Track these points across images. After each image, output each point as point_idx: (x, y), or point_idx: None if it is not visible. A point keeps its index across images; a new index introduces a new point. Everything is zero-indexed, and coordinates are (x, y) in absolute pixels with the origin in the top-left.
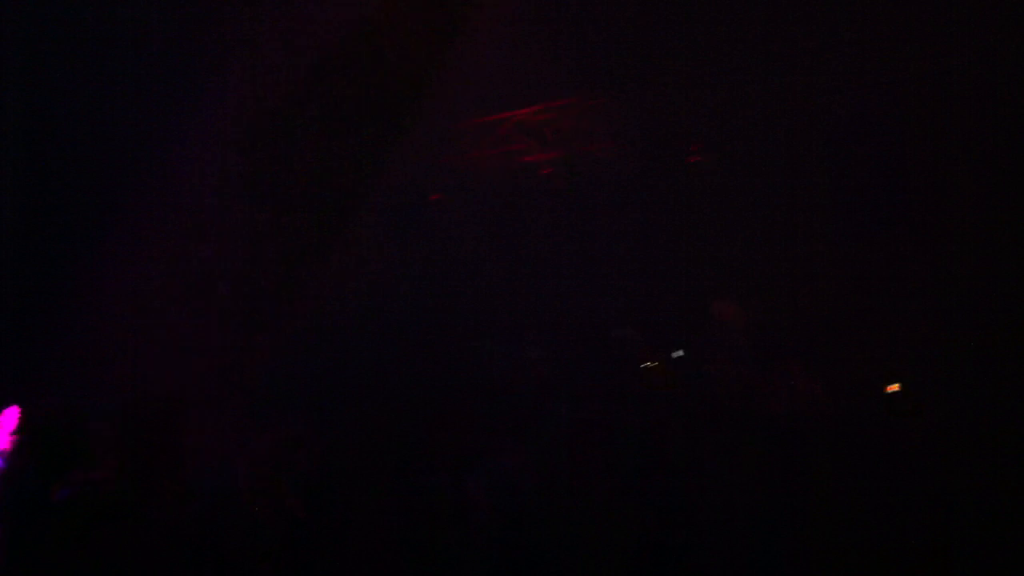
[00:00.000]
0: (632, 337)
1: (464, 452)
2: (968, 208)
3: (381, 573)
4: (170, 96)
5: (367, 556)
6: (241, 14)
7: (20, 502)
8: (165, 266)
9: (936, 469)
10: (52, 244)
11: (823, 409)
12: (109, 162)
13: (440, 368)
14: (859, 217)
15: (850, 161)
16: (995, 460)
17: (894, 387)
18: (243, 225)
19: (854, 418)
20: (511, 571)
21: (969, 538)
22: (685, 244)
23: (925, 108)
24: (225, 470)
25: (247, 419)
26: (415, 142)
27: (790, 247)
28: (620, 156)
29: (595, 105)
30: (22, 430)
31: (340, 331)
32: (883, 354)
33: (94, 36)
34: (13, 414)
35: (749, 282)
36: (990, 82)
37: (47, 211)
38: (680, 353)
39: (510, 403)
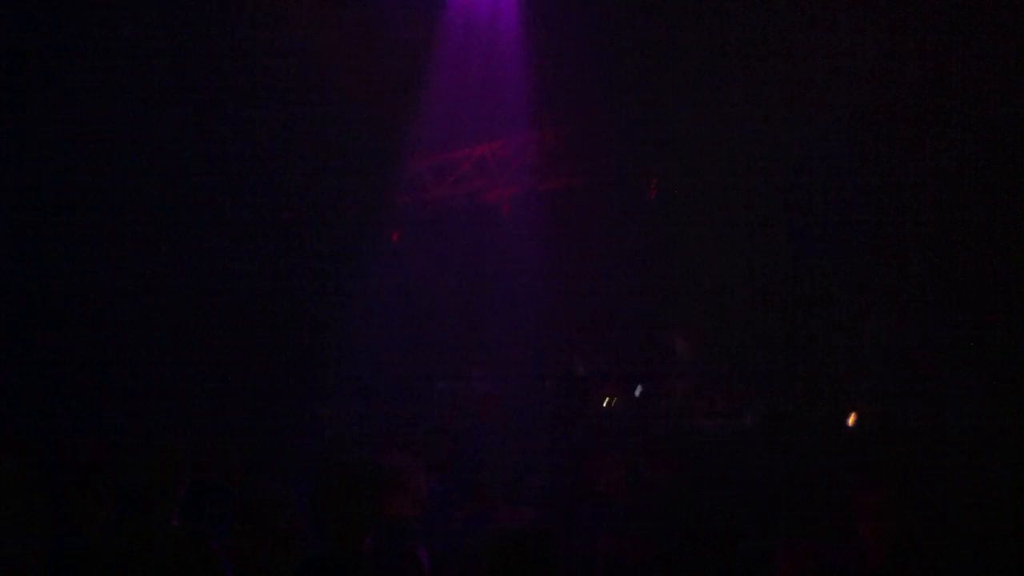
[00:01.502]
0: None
1: None
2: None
3: None
4: None
5: None
6: None
7: None
8: None
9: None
10: None
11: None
12: None
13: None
14: (811, 245)
15: (801, 191)
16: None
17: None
18: None
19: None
20: None
21: None
22: (644, 277)
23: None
24: None
25: None
26: (376, 181)
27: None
28: (579, 190)
29: (553, 140)
30: None
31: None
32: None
33: None
34: None
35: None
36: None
37: None
38: (641, 389)
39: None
